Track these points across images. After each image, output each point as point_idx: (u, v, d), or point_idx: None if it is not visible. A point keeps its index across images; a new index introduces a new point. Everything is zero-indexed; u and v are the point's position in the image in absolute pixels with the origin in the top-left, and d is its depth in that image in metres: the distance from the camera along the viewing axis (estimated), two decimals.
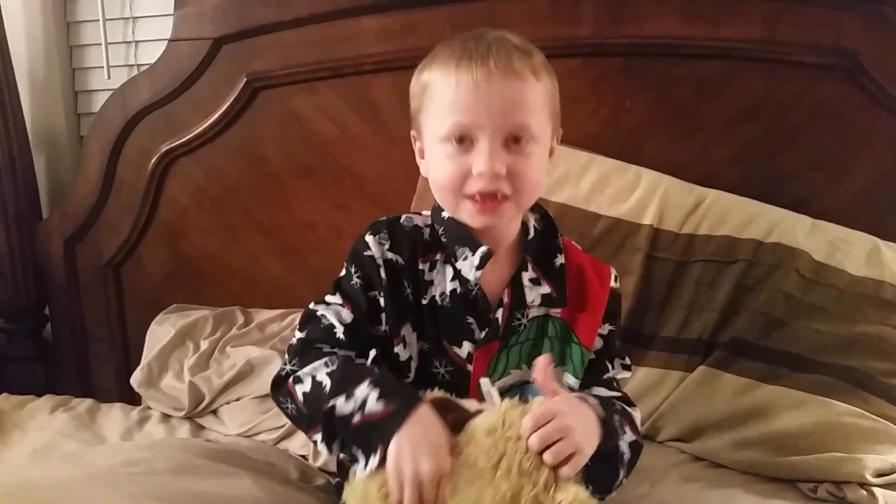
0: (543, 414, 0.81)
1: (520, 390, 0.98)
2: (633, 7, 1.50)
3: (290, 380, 0.93)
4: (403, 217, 1.01)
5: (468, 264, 0.95)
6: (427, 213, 1.03)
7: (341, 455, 0.98)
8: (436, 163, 0.94)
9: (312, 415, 0.90)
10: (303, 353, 0.95)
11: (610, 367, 1.04)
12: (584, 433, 0.84)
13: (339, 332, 0.95)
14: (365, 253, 0.97)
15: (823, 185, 1.50)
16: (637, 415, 1.01)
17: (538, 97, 0.92)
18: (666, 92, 1.53)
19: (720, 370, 1.31)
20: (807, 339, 1.29)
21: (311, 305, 1.00)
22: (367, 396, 0.85)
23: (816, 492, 1.17)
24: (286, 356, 0.96)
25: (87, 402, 1.65)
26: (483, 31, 0.95)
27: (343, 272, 1.00)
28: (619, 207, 1.42)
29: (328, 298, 0.98)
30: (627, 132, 1.54)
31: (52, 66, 1.84)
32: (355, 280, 0.97)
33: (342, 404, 0.86)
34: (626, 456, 0.94)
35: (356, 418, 0.84)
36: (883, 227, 1.42)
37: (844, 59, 1.46)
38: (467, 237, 0.96)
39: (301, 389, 0.91)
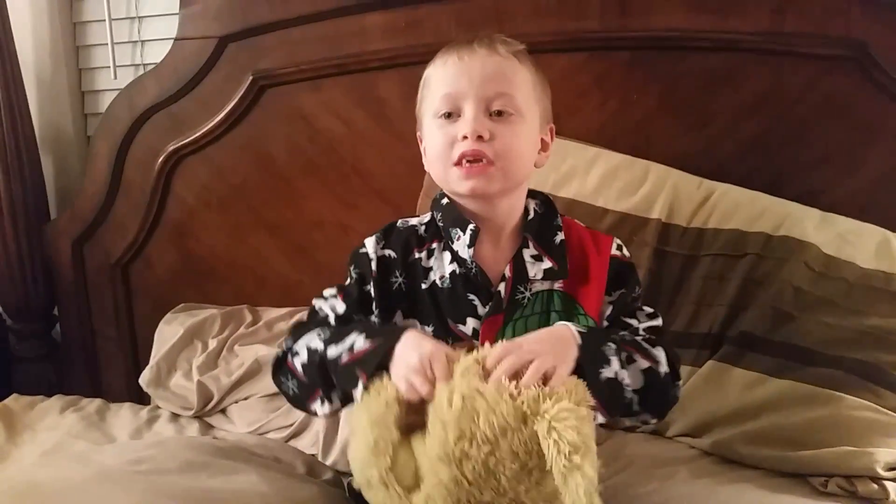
0: (501, 352, 0.86)
1: None
2: (639, 0, 1.49)
3: (288, 356, 1.01)
4: (400, 221, 1.09)
5: (462, 244, 1.01)
6: (426, 214, 1.09)
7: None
8: (429, 138, 1.02)
9: (311, 381, 0.98)
10: (295, 332, 1.04)
11: (634, 321, 1.05)
12: (554, 350, 0.88)
13: (331, 318, 1.04)
14: (360, 251, 1.05)
15: (832, 178, 1.49)
16: (659, 353, 0.99)
17: (518, 75, 1.00)
18: (673, 85, 1.52)
19: (729, 364, 1.30)
20: (817, 333, 1.28)
21: (313, 300, 1.08)
22: (354, 340, 0.94)
23: (827, 486, 1.16)
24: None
25: (97, 402, 1.66)
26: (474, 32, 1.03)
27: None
28: (627, 202, 1.41)
29: (326, 293, 1.07)
30: (635, 126, 1.53)
31: (59, 67, 1.85)
32: (352, 275, 1.06)
33: (332, 350, 0.95)
34: (631, 382, 0.94)
35: (344, 358, 0.93)
36: (893, 219, 1.40)
37: (853, 51, 1.44)
38: (459, 219, 1.02)
39: (299, 361, 0.99)
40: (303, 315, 1.59)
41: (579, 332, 0.92)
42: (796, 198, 1.42)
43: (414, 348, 0.89)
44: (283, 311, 1.66)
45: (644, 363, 0.96)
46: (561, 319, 1.01)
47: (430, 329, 1.01)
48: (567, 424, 0.78)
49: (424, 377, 0.86)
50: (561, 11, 1.51)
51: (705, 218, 1.39)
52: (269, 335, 1.60)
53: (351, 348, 0.93)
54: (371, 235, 1.06)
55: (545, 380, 0.84)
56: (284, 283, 1.72)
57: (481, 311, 1.01)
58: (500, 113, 0.97)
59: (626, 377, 0.93)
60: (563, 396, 0.82)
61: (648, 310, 1.08)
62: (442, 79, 1.00)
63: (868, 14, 1.43)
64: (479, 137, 0.96)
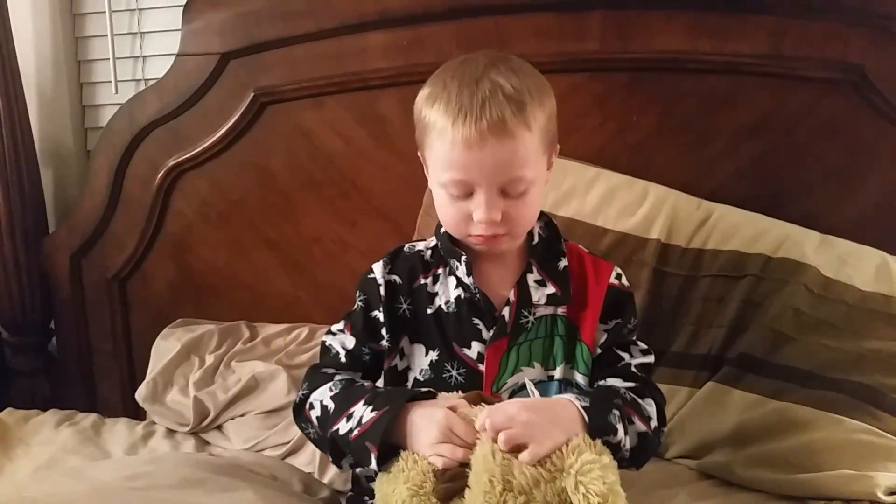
0: (493, 420, 0.86)
1: (540, 388, 1.00)
2: (639, 22, 1.50)
3: (307, 406, 1.04)
4: (407, 245, 1.11)
5: (462, 272, 1.02)
6: (432, 238, 1.10)
7: (357, 470, 1.05)
8: (439, 202, 1.02)
9: (324, 441, 1.01)
10: (311, 378, 1.06)
11: (626, 355, 1.06)
12: (552, 436, 0.86)
13: (342, 356, 1.06)
14: (368, 276, 1.07)
15: (831, 200, 1.49)
16: (650, 407, 1.02)
17: (531, 147, 0.95)
18: (672, 106, 1.52)
19: (729, 386, 1.30)
20: (816, 355, 1.28)
21: (323, 337, 1.10)
22: (362, 413, 0.95)
23: None
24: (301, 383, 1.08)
25: (92, 416, 1.64)
26: (479, 75, 0.95)
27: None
28: (627, 222, 1.41)
29: (334, 328, 1.10)
30: (634, 147, 1.54)
31: (61, 81, 1.85)
32: (358, 304, 1.07)
33: (343, 425, 0.96)
34: (629, 444, 0.96)
35: (354, 433, 0.94)
36: (892, 242, 1.40)
37: (851, 74, 1.45)
38: (453, 250, 1.04)
39: (315, 415, 1.02)
40: (301, 332, 1.63)
41: (584, 409, 0.91)
42: (795, 220, 1.42)
43: (428, 421, 0.89)
44: (281, 327, 1.66)
45: (641, 426, 0.98)
46: (564, 345, 1.04)
47: (435, 354, 1.02)
48: (592, 477, 0.82)
49: (452, 446, 0.87)
50: (561, 32, 1.52)
51: (704, 239, 1.39)
52: (266, 351, 1.59)
53: (359, 422, 0.94)
54: (378, 260, 1.07)
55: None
56: (283, 300, 1.72)
57: (486, 335, 1.02)
58: (512, 189, 0.95)
59: (626, 442, 0.95)
60: (584, 449, 0.85)
61: (642, 346, 1.09)
62: (450, 160, 0.95)
63: (866, 38, 1.44)
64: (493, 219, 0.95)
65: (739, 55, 1.48)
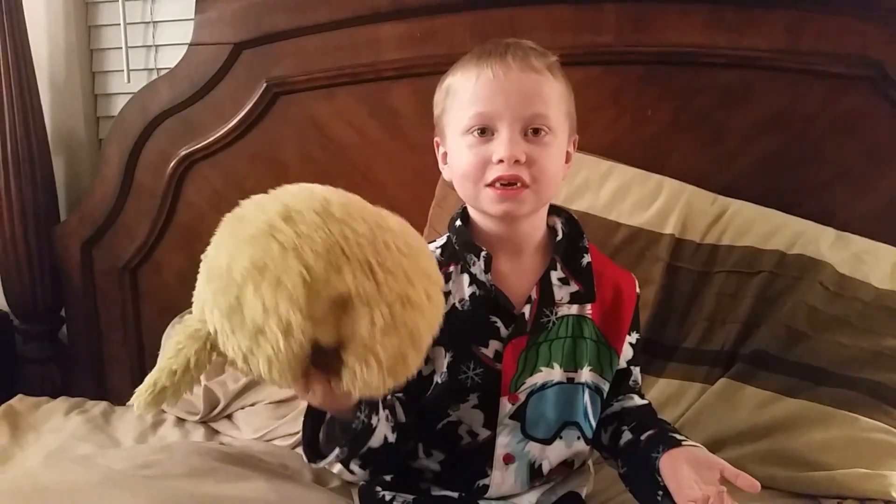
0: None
1: (563, 391, 1.00)
2: (655, 15, 1.49)
3: None
4: None
5: (478, 269, 0.98)
6: (442, 237, 1.06)
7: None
8: (457, 155, 0.98)
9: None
10: None
11: (634, 369, 1.09)
12: None
13: None
14: None
15: (847, 197, 1.48)
16: None
17: (554, 92, 0.96)
18: (688, 101, 1.51)
19: (742, 383, 1.29)
20: (831, 353, 1.27)
21: None
22: None
23: None
24: None
25: (102, 404, 1.65)
26: (501, 39, 0.99)
27: None
28: (640, 216, 1.40)
29: None
30: (649, 141, 1.53)
31: (73, 70, 1.85)
32: None
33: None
34: None
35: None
36: None
37: (870, 70, 1.44)
38: (472, 244, 0.99)
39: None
40: None
41: None
42: (811, 216, 1.41)
43: None
44: None
45: None
46: (591, 349, 1.02)
47: (449, 356, 0.98)
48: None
49: None
50: (576, 25, 1.51)
51: (719, 234, 1.38)
52: None
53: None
54: None
55: None
56: None
57: (504, 332, 0.98)
58: (535, 132, 0.93)
59: None
60: None
61: (639, 360, 1.10)
62: (473, 95, 0.94)
63: (885, 33, 1.43)
64: (516, 161, 0.92)
65: (756, 49, 1.47)
